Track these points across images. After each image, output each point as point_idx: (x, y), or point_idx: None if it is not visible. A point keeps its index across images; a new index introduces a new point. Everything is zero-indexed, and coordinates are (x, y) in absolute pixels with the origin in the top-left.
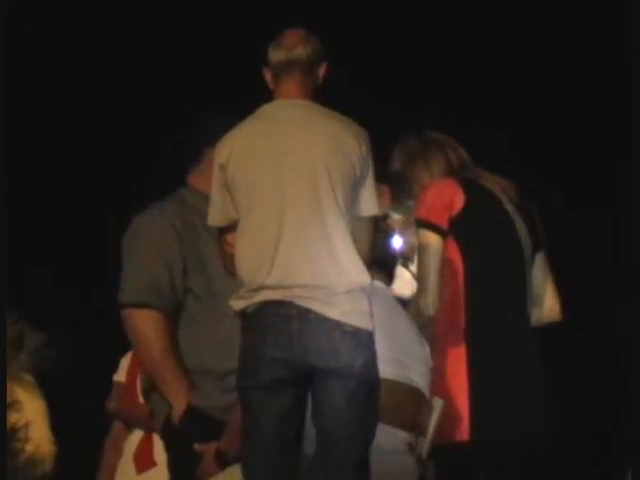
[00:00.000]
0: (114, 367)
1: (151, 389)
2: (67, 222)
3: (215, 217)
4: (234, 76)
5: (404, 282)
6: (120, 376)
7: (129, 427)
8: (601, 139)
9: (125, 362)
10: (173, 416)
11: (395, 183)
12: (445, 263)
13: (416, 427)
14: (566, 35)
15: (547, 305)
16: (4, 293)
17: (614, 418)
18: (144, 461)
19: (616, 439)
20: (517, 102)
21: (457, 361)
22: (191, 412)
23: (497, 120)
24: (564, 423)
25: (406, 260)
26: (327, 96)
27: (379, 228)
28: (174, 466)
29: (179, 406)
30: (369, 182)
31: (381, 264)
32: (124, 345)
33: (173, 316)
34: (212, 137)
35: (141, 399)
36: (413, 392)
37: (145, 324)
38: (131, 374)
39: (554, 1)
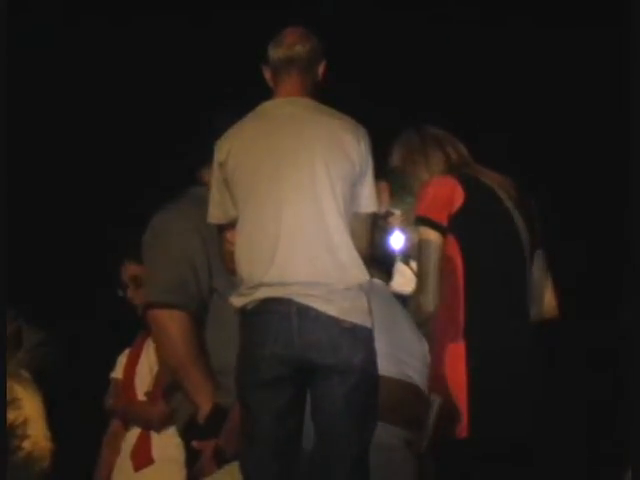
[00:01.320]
0: (112, 364)
1: (173, 388)
2: (66, 221)
3: (214, 215)
4: (234, 74)
5: (405, 279)
6: (117, 373)
7: (126, 424)
8: (602, 137)
9: (122, 359)
10: (199, 416)
11: (394, 179)
12: (444, 260)
13: (414, 424)
14: (564, 34)
15: (545, 302)
16: (4, 293)
17: (613, 417)
18: (141, 458)
19: (615, 438)
20: (516, 102)
21: (456, 358)
22: (217, 411)
23: (496, 119)
24: (563, 421)
25: (407, 257)
26: (326, 94)
27: (378, 225)
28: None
29: (206, 406)
30: (368, 179)
31: (380, 261)
32: (122, 342)
33: (199, 316)
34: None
35: (139, 396)
36: (411, 389)
37: (172, 324)
38: (128, 371)
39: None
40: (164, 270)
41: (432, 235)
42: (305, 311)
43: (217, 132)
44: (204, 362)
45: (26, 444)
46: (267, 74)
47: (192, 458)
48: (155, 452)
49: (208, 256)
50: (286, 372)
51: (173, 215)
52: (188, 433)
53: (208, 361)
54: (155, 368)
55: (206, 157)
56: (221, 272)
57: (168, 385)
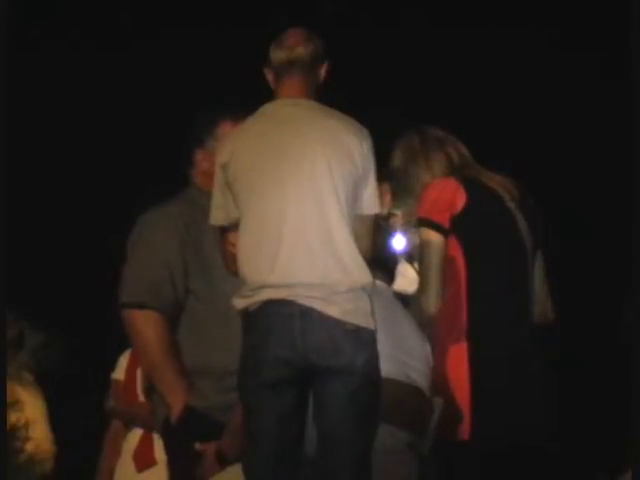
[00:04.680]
0: (114, 366)
1: (152, 389)
2: (67, 222)
3: (217, 217)
4: (235, 76)
5: (407, 280)
6: (118, 374)
7: (127, 426)
8: (604, 137)
9: (123, 361)
10: (171, 417)
11: (396, 181)
12: (447, 262)
13: (417, 426)
14: (565, 36)
15: (542, 305)
16: (4, 293)
17: (614, 418)
18: (144, 459)
19: (616, 439)
20: (517, 103)
21: (458, 360)
22: (189, 413)
23: (497, 120)
24: (565, 423)
25: (411, 257)
26: (328, 95)
27: (380, 227)
28: (173, 466)
29: (177, 407)
30: (371, 181)
31: (382, 263)
32: (123, 344)
33: (173, 318)
34: (198, 137)
35: (141, 397)
36: (414, 391)
37: (145, 325)
38: (130, 373)
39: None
40: (139, 271)
41: (433, 236)
42: (308, 313)
43: (196, 134)
44: (178, 363)
45: (28, 446)
46: (269, 76)
47: (171, 460)
48: (158, 453)
49: (185, 257)
50: (289, 374)
51: (154, 216)
52: (164, 434)
53: (182, 362)
54: None
55: (190, 158)
56: (199, 274)
57: (148, 386)
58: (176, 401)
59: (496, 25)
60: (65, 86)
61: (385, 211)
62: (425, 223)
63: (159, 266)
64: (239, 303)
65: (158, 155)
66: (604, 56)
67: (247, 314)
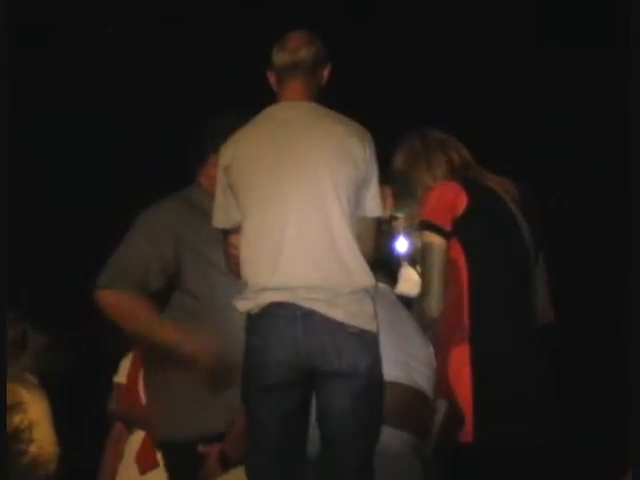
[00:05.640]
0: (116, 369)
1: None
2: (70, 223)
3: (219, 219)
4: (238, 79)
5: (410, 283)
6: (120, 377)
7: (129, 428)
8: (604, 138)
9: (125, 363)
10: (182, 351)
11: (398, 184)
12: (449, 264)
13: (420, 429)
14: (565, 38)
15: (543, 306)
16: (4, 293)
17: (616, 418)
18: (147, 461)
19: (618, 439)
20: (518, 104)
21: (461, 362)
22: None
23: (499, 122)
24: (567, 424)
25: (414, 260)
26: (330, 97)
27: (382, 229)
28: (170, 467)
29: (187, 341)
30: (373, 184)
31: (384, 265)
32: (126, 347)
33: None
34: (217, 143)
35: (143, 400)
36: (416, 394)
37: (118, 298)
38: (132, 376)
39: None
40: (121, 262)
41: (436, 239)
42: (310, 315)
43: (214, 140)
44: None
45: (32, 448)
46: (271, 78)
47: (167, 460)
48: (160, 455)
49: (180, 257)
50: (291, 377)
51: (152, 214)
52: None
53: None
54: None
55: (202, 159)
56: (196, 273)
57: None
58: (182, 338)
59: (496, 26)
60: (65, 86)
61: (387, 214)
62: (427, 226)
63: (141, 264)
64: (241, 305)
65: (158, 158)
66: (605, 56)
67: (249, 316)
